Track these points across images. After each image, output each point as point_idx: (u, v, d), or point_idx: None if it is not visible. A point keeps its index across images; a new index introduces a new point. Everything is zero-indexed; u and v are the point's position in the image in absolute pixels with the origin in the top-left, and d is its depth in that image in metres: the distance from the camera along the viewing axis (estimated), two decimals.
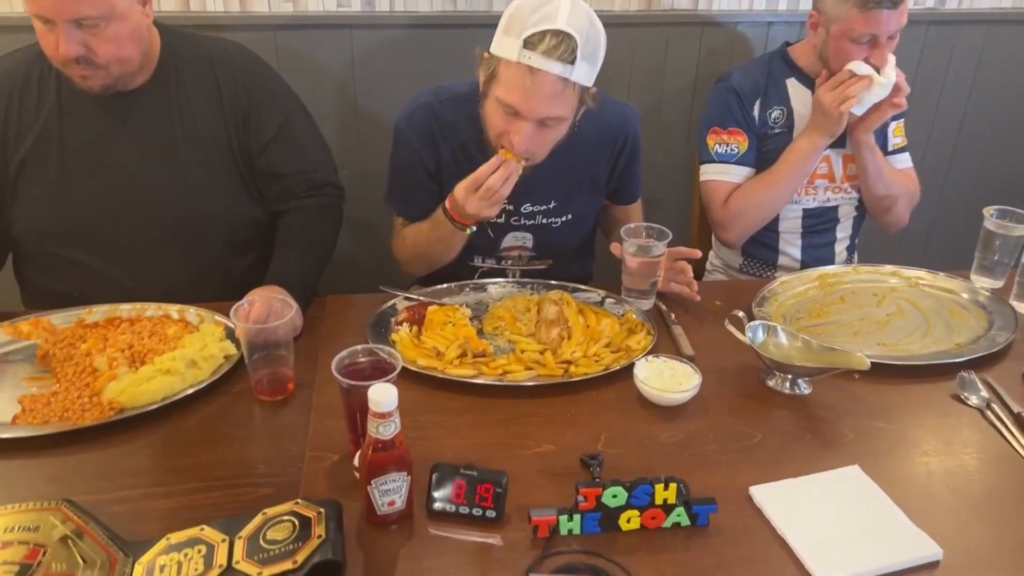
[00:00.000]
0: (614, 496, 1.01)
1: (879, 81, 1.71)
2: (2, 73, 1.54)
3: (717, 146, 1.88)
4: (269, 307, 1.29)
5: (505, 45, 1.36)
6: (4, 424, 1.19)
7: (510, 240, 1.70)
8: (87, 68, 1.42)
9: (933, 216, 2.65)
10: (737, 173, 1.87)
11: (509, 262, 1.74)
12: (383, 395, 0.96)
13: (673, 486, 1.01)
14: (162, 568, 0.94)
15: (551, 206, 1.66)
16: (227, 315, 1.34)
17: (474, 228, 1.54)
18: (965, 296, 1.64)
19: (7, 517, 0.98)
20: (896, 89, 1.73)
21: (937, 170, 2.61)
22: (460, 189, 1.47)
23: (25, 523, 0.97)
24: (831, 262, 1.97)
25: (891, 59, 1.73)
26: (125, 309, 1.46)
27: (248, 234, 1.67)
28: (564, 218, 1.69)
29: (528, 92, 1.36)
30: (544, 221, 1.68)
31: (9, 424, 1.19)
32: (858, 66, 1.72)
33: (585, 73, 1.38)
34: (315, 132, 1.72)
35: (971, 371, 1.36)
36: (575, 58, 1.34)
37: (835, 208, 1.95)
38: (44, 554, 0.94)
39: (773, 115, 1.87)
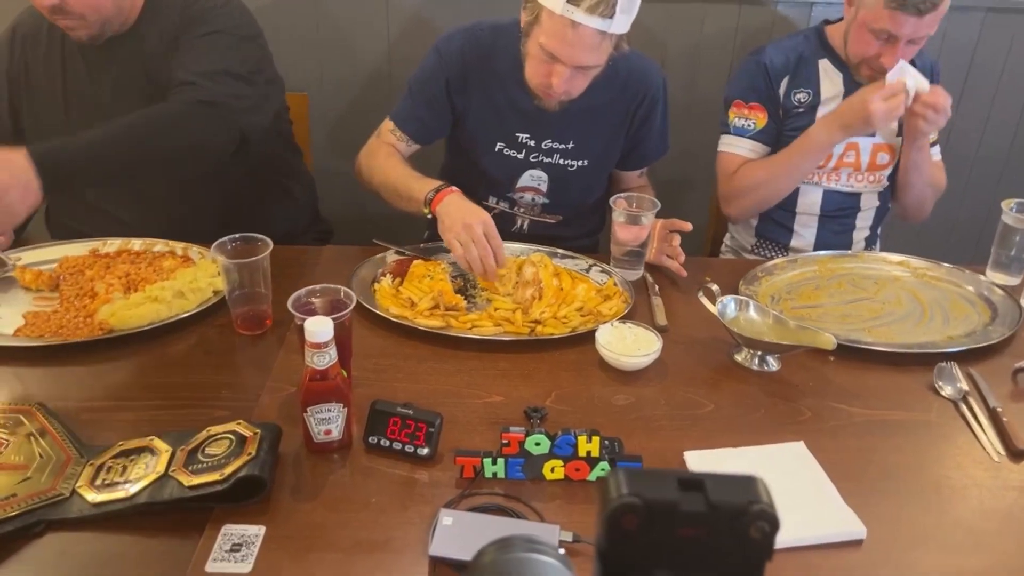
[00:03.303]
0: (537, 444, 1.03)
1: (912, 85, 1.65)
2: (20, 24, 1.65)
3: (737, 119, 1.86)
4: None
5: None
6: (6, 335, 1.30)
7: (526, 179, 1.73)
8: (67, 19, 1.49)
9: (987, 214, 2.52)
10: (750, 148, 1.85)
11: (521, 209, 1.77)
12: (318, 326, 1.01)
13: (596, 439, 1.03)
14: (108, 469, 1.02)
15: (569, 146, 1.70)
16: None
17: (430, 216, 1.53)
18: (971, 289, 1.57)
19: None
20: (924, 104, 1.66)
21: (991, 167, 2.49)
22: (468, 210, 1.47)
23: None
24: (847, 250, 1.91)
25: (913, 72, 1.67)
26: (136, 243, 1.57)
27: (232, 166, 1.63)
28: (580, 162, 1.72)
29: (569, 43, 1.43)
30: (561, 162, 1.71)
31: (11, 335, 1.30)
32: (895, 74, 1.66)
33: (622, 24, 1.44)
34: (232, 48, 1.57)
35: (951, 362, 1.32)
36: (615, 12, 1.40)
37: (857, 196, 1.89)
38: (7, 446, 1.04)
39: (798, 96, 1.83)
